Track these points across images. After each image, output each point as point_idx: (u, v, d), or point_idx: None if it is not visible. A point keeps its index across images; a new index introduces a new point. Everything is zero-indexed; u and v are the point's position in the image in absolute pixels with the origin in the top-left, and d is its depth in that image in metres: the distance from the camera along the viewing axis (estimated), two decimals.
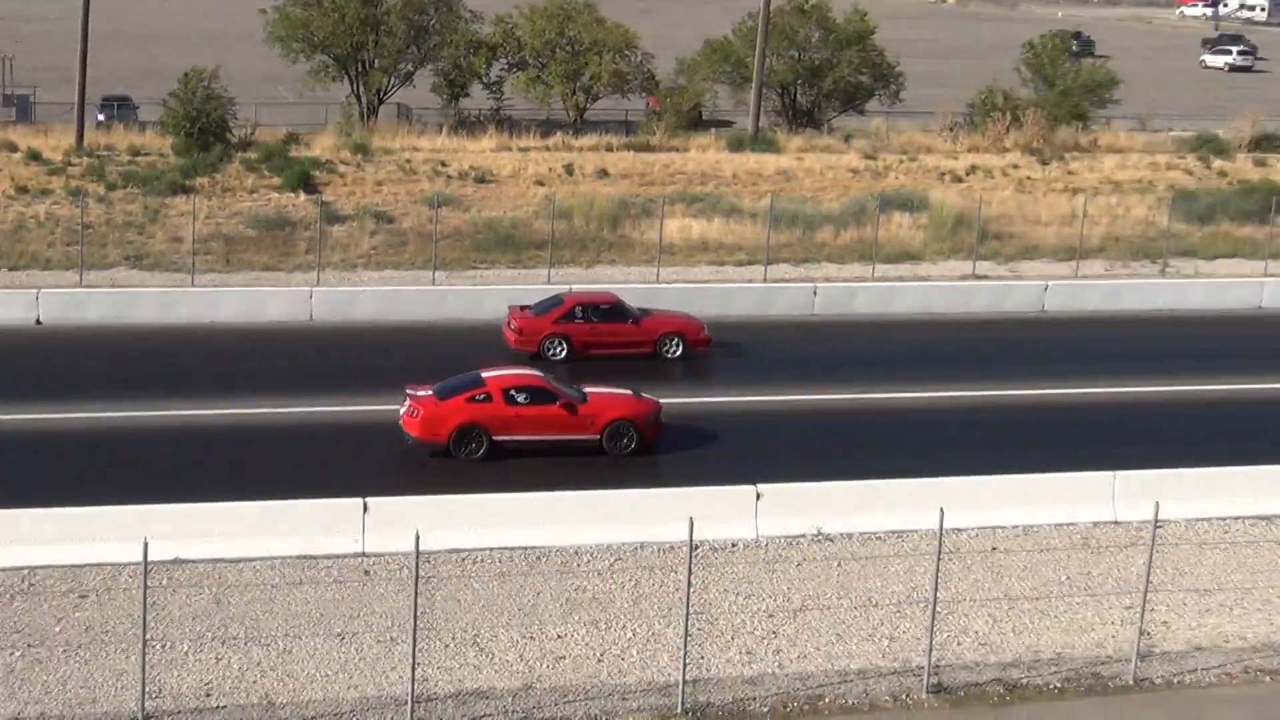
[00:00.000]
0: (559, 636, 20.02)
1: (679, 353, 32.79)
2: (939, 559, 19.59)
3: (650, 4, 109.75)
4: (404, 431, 26.84)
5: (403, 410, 27.12)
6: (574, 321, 32.71)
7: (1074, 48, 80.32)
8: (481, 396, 26.93)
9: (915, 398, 30.98)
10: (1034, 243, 44.73)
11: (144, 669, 18.47)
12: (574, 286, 36.07)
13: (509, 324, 33.14)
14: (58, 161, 46.12)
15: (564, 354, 32.59)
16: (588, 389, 28.08)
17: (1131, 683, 20.10)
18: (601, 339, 32.64)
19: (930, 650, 19.80)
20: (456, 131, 56.07)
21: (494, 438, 26.55)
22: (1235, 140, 61.90)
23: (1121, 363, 34.11)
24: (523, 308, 33.59)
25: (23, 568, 21.62)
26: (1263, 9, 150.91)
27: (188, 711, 18.33)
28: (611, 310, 33.14)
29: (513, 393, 27.00)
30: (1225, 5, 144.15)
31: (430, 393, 27.28)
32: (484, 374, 27.64)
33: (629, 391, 28.47)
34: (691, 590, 19.80)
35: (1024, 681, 20.03)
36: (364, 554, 22.55)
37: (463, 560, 22.49)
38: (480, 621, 20.50)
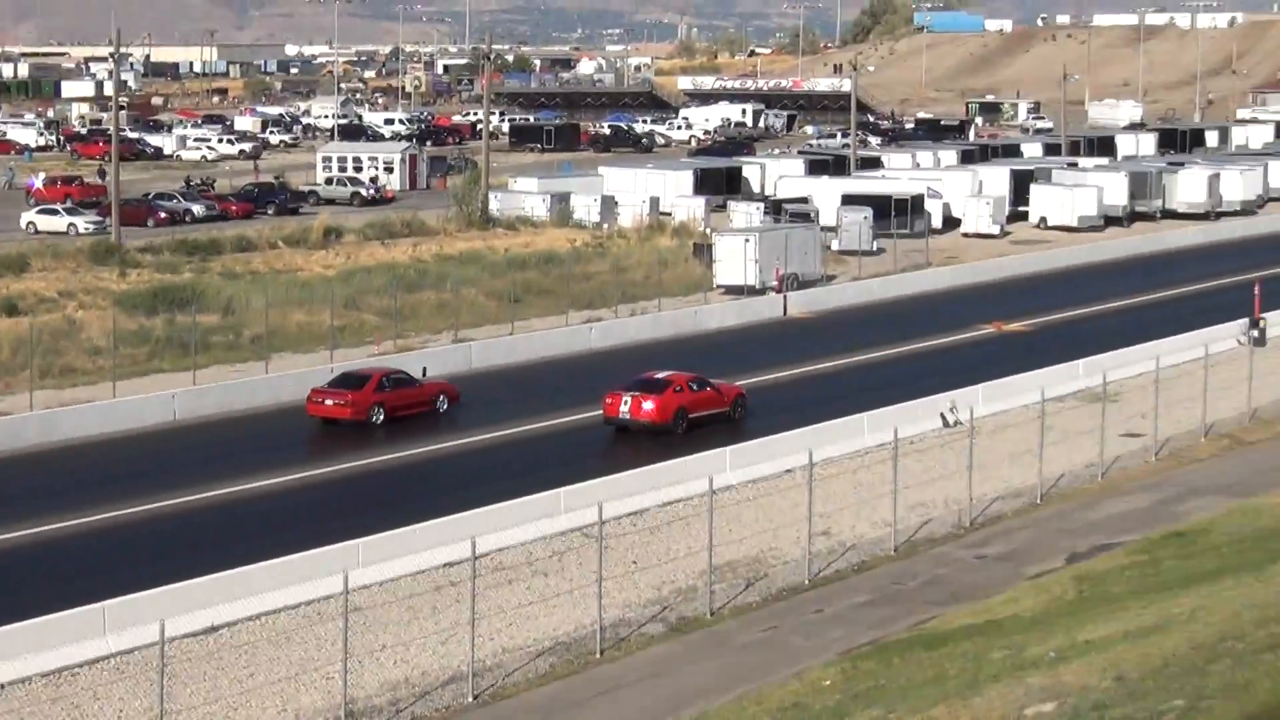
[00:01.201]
0: None
1: (446, 408, 51.67)
2: None
3: None
4: (631, 419, 47.57)
5: (624, 407, 47.78)
6: (385, 391, 49.93)
7: None
8: (679, 388, 47.94)
9: None
10: None
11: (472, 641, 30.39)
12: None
13: (324, 401, 49.97)
14: None
15: (382, 418, 49.76)
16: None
17: None
18: (404, 402, 50.19)
19: None
20: None
21: (689, 416, 47.31)
22: None
23: None
24: (326, 387, 50.56)
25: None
26: None
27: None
28: (404, 379, 50.95)
29: (691, 384, 48.29)
30: None
31: (639, 391, 48.07)
32: (659, 375, 49.20)
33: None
34: None
35: None
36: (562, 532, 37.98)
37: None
38: None
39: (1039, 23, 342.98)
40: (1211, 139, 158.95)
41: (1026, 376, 55.94)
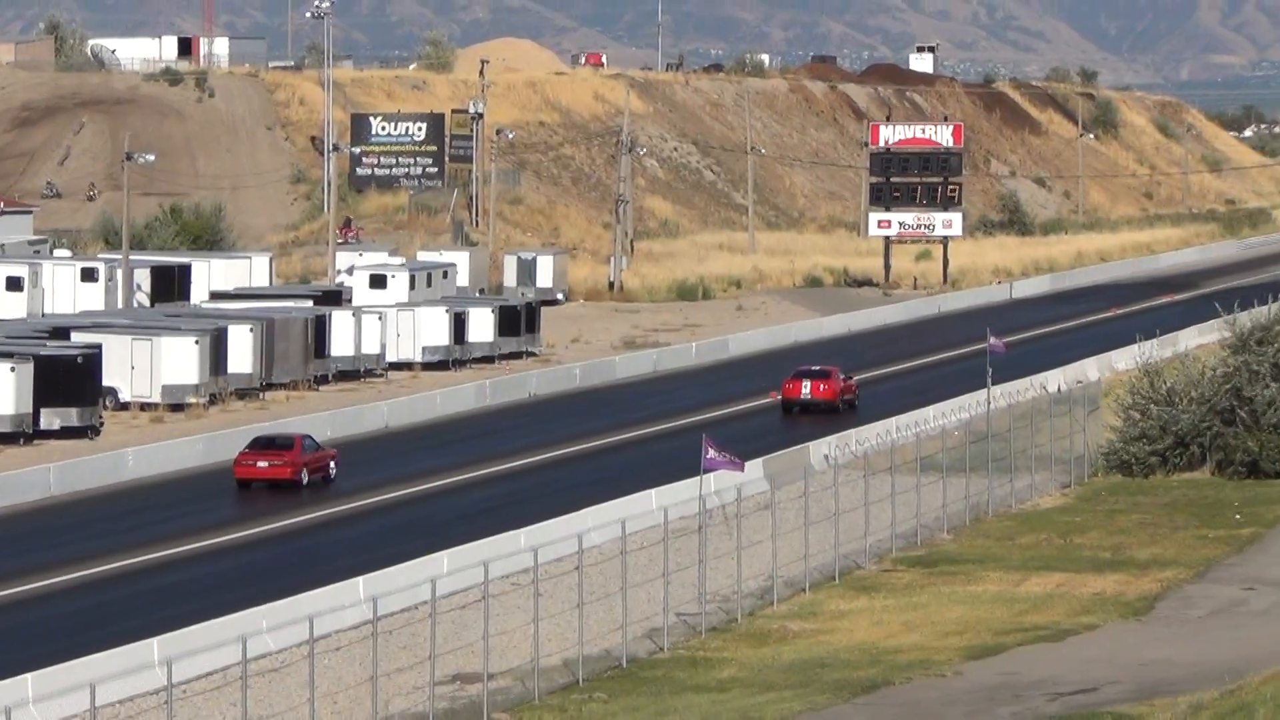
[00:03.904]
0: None
1: (334, 470, 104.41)
2: None
3: None
4: (812, 399, 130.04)
5: (805, 389, 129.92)
6: (305, 453, 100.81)
7: None
8: (836, 378, 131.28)
9: None
10: None
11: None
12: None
13: (256, 464, 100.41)
14: None
15: (308, 479, 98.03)
16: None
17: None
18: (317, 463, 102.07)
19: None
20: None
21: (845, 399, 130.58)
22: None
23: None
24: (263, 449, 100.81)
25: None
26: None
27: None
28: (313, 444, 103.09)
29: (841, 374, 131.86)
30: None
31: (812, 379, 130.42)
32: (818, 368, 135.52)
33: None
34: None
35: None
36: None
37: None
38: None
39: None
40: None
41: None
